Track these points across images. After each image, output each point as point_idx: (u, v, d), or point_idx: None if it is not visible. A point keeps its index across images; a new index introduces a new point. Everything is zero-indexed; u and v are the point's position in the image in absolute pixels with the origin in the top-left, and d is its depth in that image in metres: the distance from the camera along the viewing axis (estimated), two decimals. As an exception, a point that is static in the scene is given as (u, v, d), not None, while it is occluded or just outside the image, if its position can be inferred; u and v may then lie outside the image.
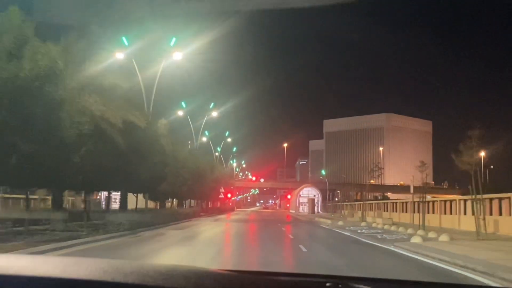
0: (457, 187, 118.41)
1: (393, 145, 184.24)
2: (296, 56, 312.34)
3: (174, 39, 31.74)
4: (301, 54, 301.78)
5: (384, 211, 46.49)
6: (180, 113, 51.05)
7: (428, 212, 40.99)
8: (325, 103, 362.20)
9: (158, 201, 38.63)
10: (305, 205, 72.65)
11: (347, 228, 30.81)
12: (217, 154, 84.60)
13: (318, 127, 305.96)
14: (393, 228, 29.26)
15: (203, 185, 49.41)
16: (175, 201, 48.62)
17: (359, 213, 44.75)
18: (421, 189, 31.22)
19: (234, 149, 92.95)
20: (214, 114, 54.97)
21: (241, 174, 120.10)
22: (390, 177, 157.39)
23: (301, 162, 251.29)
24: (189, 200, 64.38)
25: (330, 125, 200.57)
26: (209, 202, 71.99)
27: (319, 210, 70.55)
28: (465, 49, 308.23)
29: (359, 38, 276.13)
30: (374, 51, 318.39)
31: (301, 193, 73.62)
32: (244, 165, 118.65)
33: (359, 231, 27.46)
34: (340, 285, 1.70)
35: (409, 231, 24.85)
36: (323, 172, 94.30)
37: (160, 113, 34.30)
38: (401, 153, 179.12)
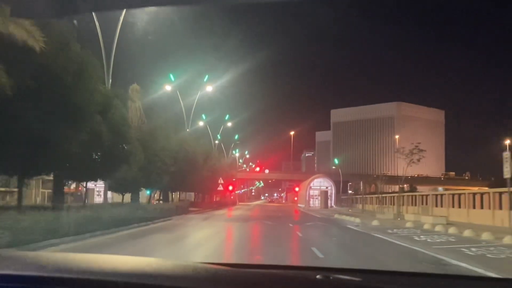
0: (480, 178, 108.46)
1: (404, 135, 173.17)
2: (300, 45, 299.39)
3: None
4: (305, 43, 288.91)
5: (421, 205, 36.40)
6: (168, 87, 41.45)
7: (453, 206, 31.54)
8: (332, 93, 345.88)
9: (121, 191, 28.84)
10: (316, 198, 62.94)
11: (390, 231, 21.12)
12: (217, 142, 75.37)
13: (325, 117, 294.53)
14: (467, 233, 19.23)
15: (195, 175, 39.67)
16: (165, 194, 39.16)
17: (392, 208, 34.81)
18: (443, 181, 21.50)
19: (236, 136, 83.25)
20: (209, 88, 45.00)
21: (244, 166, 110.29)
22: (401, 169, 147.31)
23: (307, 154, 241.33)
24: (183, 192, 54.77)
25: (338, 115, 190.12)
26: (207, 196, 62.33)
27: (333, 204, 60.72)
28: (479, 37, 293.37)
29: (368, 26, 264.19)
30: (383, 39, 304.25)
31: (311, 184, 63.83)
32: (247, 156, 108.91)
33: (416, 238, 17.71)
34: (330, 277, 1.68)
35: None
36: (336, 161, 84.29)
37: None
38: (412, 144, 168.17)
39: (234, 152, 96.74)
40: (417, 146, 34.91)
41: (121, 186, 26.41)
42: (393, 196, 43.31)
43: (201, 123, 59.87)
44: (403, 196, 35.12)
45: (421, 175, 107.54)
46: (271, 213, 42.73)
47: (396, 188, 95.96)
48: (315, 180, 64.66)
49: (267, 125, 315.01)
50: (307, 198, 62.09)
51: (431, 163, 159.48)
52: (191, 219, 28.47)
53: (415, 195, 37.38)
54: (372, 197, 53.74)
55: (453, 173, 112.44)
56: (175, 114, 42.39)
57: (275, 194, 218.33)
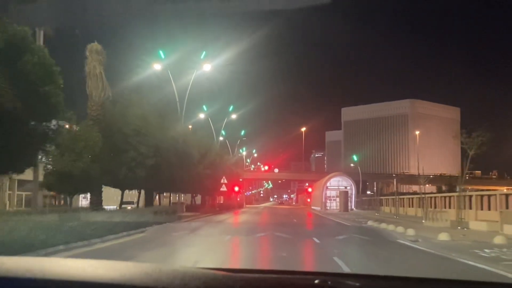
0: (508, 177, 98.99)
1: (418, 133, 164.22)
2: (311, 45, 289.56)
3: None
4: (313, 41, 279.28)
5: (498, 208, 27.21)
6: (158, 67, 33.38)
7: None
8: (342, 91, 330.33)
9: (60, 190, 20.52)
10: (333, 200, 54.32)
11: (482, 253, 12.63)
12: (221, 138, 67.09)
13: (335, 117, 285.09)
14: None
15: (188, 171, 31.32)
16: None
17: (445, 214, 26.06)
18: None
19: (242, 132, 74.83)
20: (207, 67, 36.53)
21: (252, 167, 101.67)
22: (415, 166, 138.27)
23: (316, 155, 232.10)
24: (179, 194, 46.42)
25: (349, 113, 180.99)
26: (209, 198, 53.92)
27: (353, 207, 52.02)
28: (496, 33, 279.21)
29: (380, 21, 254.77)
30: (395, 34, 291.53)
31: (328, 184, 55.09)
32: (255, 155, 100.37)
33: None
34: (329, 282, 1.67)
35: None
36: (355, 157, 75.33)
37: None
38: (427, 142, 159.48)
39: (241, 150, 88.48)
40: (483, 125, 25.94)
41: (61, 184, 17.88)
42: (434, 197, 34.58)
43: (201, 116, 51.83)
44: (465, 197, 26.09)
45: (444, 174, 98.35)
46: (283, 219, 34.20)
47: (416, 187, 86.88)
48: (332, 179, 55.89)
49: (275, 126, 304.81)
50: (323, 200, 53.48)
51: (447, 162, 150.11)
52: (175, 230, 19.98)
53: (482, 195, 27.70)
54: (403, 198, 44.96)
55: (479, 172, 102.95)
56: (167, 102, 33.96)
57: (285, 196, 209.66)
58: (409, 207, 43.44)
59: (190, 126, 42.48)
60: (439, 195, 34.52)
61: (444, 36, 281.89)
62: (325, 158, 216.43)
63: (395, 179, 35.64)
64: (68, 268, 1.49)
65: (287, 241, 16.47)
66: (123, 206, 27.98)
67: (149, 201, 29.34)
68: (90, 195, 21.17)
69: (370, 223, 26.63)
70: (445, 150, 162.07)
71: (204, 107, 54.03)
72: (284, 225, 25.45)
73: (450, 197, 32.39)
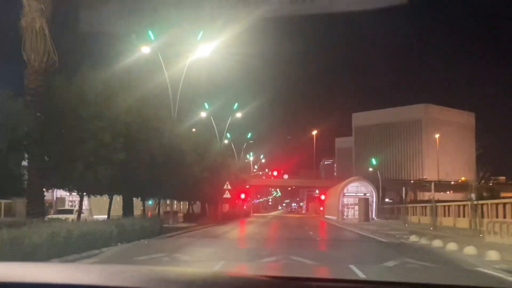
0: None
1: (432, 139, 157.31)
2: (320, 49, 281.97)
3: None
4: (325, 47, 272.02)
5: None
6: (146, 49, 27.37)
7: None
8: (353, 96, 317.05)
9: None
10: (351, 208, 47.74)
11: None
12: (226, 142, 60.94)
13: (345, 123, 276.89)
14: None
15: (179, 173, 25.09)
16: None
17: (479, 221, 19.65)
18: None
19: (249, 135, 68.59)
20: (204, 50, 30.33)
21: (260, 173, 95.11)
22: (430, 174, 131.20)
23: (326, 162, 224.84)
24: (174, 202, 40.27)
25: (360, 118, 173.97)
26: (211, 206, 47.64)
27: (374, 216, 45.33)
28: (510, 37, 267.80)
29: (390, 23, 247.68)
30: (408, 37, 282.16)
31: (345, 190, 48.47)
32: (263, 160, 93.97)
33: None
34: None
35: None
36: (374, 161, 68.68)
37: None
38: (441, 148, 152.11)
39: (248, 156, 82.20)
40: None
41: None
42: (482, 204, 27.96)
43: (202, 115, 45.84)
44: None
45: (466, 180, 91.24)
46: (296, 231, 27.86)
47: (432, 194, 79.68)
48: (350, 184, 49.17)
49: (283, 132, 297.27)
50: (340, 208, 46.85)
51: (462, 168, 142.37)
52: (146, 250, 13.64)
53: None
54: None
55: (503, 177, 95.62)
56: (159, 92, 27.76)
57: (294, 204, 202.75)
58: (444, 216, 36.82)
59: (194, 130, 36.50)
60: (489, 202, 27.90)
61: (458, 39, 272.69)
62: (335, 165, 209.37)
63: (432, 184, 29.34)
64: (73, 273, 1.46)
65: (312, 272, 10.11)
66: (58, 215, 21.71)
67: (128, 210, 23.05)
68: (27, 201, 14.91)
69: (413, 238, 20.05)
70: (459, 156, 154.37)
71: (206, 104, 48.10)
72: (299, 240, 19.11)
73: (504, 204, 25.77)
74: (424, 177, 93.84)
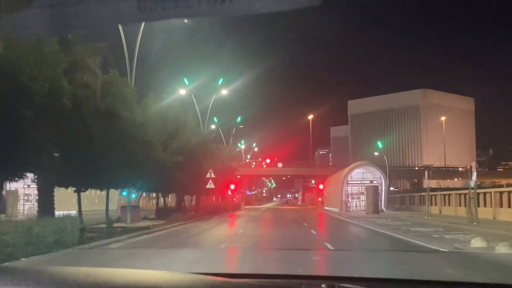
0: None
1: (431, 125, 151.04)
2: (313, 35, 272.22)
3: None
4: (316, 31, 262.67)
5: None
6: None
7: None
8: (348, 84, 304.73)
9: None
10: (356, 197, 40.55)
11: None
12: (213, 127, 53.78)
13: (340, 111, 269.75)
14: None
15: (132, 155, 17.78)
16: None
17: None
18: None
19: (239, 119, 61.35)
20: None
21: (254, 163, 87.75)
22: (429, 160, 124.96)
23: (321, 152, 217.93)
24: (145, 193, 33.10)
25: (356, 106, 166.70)
26: (195, 198, 40.56)
27: (383, 207, 38.23)
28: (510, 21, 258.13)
29: (387, 6, 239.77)
30: (403, 20, 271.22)
31: (349, 177, 41.21)
32: (255, 149, 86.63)
33: None
34: (335, 286, 1.60)
35: None
36: (380, 144, 61.60)
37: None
38: (439, 134, 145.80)
39: (239, 144, 74.85)
40: None
41: None
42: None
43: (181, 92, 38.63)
44: None
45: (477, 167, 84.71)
46: (294, 230, 20.73)
47: (447, 182, 72.97)
48: (355, 170, 41.71)
49: (277, 121, 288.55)
50: (343, 198, 39.60)
51: (461, 155, 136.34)
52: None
53: None
54: (450, 194, 31.30)
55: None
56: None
57: (289, 195, 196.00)
58: (459, 206, 29.96)
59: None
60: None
61: (457, 22, 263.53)
62: (330, 155, 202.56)
63: (473, 166, 22.52)
64: (74, 277, 1.41)
65: None
66: None
67: (46, 206, 15.70)
68: None
69: (477, 243, 12.68)
70: (459, 143, 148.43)
71: (185, 80, 40.77)
72: (300, 252, 11.98)
73: None
74: (431, 163, 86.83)
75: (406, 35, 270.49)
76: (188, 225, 24.38)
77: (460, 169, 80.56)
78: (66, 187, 18.11)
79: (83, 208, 18.84)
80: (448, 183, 73.77)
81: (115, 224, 20.84)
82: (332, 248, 13.16)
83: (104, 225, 19.78)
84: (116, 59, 21.40)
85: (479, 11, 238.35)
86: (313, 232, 20.25)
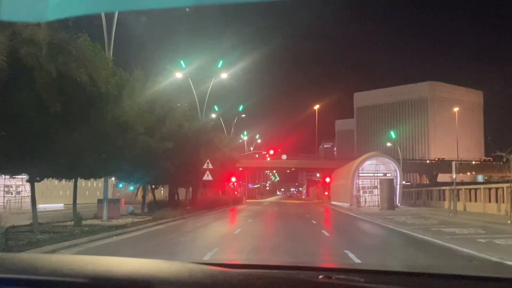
0: None
1: (438, 119, 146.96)
2: (320, 26, 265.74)
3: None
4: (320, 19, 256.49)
5: None
6: None
7: None
8: (354, 76, 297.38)
9: None
10: (368, 192, 36.77)
11: None
12: (214, 116, 50.22)
13: (345, 105, 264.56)
14: None
15: (107, 138, 14.08)
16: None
17: None
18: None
19: (241, 107, 57.62)
20: None
21: (257, 156, 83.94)
22: (437, 154, 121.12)
23: (325, 146, 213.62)
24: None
25: (362, 98, 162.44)
26: (193, 191, 37.09)
27: (398, 202, 34.42)
28: None
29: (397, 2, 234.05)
30: (413, 14, 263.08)
31: (360, 169, 37.33)
32: (259, 141, 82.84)
33: None
34: (332, 278, 1.59)
35: None
36: (393, 134, 57.58)
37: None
38: (447, 128, 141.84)
39: (242, 136, 71.09)
40: None
41: None
42: None
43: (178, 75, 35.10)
44: None
45: (488, 160, 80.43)
46: (302, 231, 17.02)
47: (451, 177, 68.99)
48: (367, 162, 37.35)
49: (281, 113, 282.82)
50: (354, 193, 35.73)
51: (470, 148, 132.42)
52: None
53: None
54: (490, 188, 27.47)
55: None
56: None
57: (292, 189, 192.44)
58: (489, 202, 26.19)
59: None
60: None
61: (466, 14, 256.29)
62: (335, 148, 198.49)
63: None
64: (70, 265, 1.38)
65: None
66: None
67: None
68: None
69: None
70: (467, 136, 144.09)
71: (182, 62, 37.15)
72: (313, 258, 8.32)
73: None
74: (443, 157, 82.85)
75: (415, 27, 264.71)
76: (177, 222, 20.77)
77: (474, 162, 76.78)
78: (11, 174, 14.48)
79: (67, 201, 15.81)
80: (460, 177, 70.07)
81: (87, 222, 17.27)
82: (359, 261, 9.45)
83: (72, 223, 16.23)
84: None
85: (489, 3, 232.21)
86: (326, 233, 16.54)
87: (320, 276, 1.55)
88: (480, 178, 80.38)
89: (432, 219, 22.96)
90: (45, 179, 17.34)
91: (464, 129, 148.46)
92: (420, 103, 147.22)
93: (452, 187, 25.54)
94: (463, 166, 73.40)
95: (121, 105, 15.92)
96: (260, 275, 1.57)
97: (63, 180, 19.49)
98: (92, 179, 23.15)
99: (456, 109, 76.99)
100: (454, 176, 24.58)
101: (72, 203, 17.24)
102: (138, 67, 23.26)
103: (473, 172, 71.46)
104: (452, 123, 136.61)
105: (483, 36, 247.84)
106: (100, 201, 19.23)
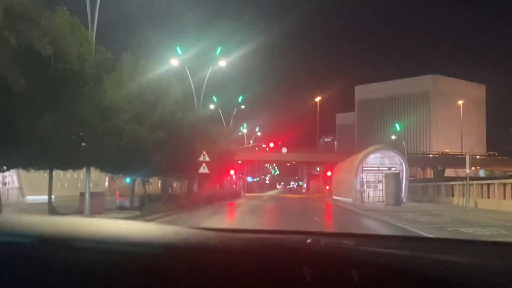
0: None
1: (440, 112, 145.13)
2: (321, 15, 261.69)
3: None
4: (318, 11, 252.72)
5: None
6: None
7: None
8: (355, 69, 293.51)
9: None
10: (371, 186, 35.00)
11: None
12: (212, 106, 48.56)
13: (346, 98, 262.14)
14: None
15: (89, 127, 12.23)
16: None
17: None
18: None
19: (240, 98, 55.78)
20: None
21: (257, 149, 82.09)
22: (438, 147, 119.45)
23: (325, 140, 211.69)
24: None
25: (364, 91, 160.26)
26: (189, 183, 35.49)
27: (403, 197, 32.64)
28: None
29: None
30: (415, 6, 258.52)
31: (365, 163, 35.70)
32: (258, 133, 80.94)
33: None
34: (321, 242, 1.59)
35: None
36: (398, 126, 55.71)
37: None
38: (449, 121, 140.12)
39: (241, 128, 69.21)
40: None
41: None
42: None
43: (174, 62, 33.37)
44: None
45: (493, 153, 78.85)
46: (309, 228, 15.19)
47: (460, 171, 67.34)
48: (371, 155, 35.29)
49: (280, 106, 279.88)
50: (358, 187, 33.92)
51: (472, 143, 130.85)
52: None
53: None
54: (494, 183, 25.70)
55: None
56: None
57: (292, 183, 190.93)
58: (504, 199, 24.43)
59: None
60: None
61: (469, 8, 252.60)
62: (335, 143, 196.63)
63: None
64: (72, 225, 1.22)
65: None
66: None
67: None
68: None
69: None
70: (469, 131, 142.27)
71: (178, 49, 35.41)
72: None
73: None
74: (446, 151, 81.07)
75: (418, 20, 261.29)
76: (167, 218, 19.02)
77: (478, 157, 74.94)
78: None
79: (59, 193, 14.16)
80: (463, 172, 68.36)
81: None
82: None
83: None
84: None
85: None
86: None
87: (309, 240, 1.54)
88: (481, 173, 78.67)
89: (444, 217, 21.22)
90: (32, 170, 15.73)
91: (466, 123, 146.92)
92: (422, 96, 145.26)
93: (464, 182, 23.74)
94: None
95: (102, 88, 14.10)
96: (251, 238, 1.50)
97: (47, 170, 17.83)
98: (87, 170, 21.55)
99: (460, 102, 74.86)
100: (467, 171, 22.78)
101: (62, 195, 15.58)
102: (129, 50, 21.50)
103: (478, 167, 69.62)
104: (454, 117, 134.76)
105: (486, 29, 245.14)
106: (82, 195, 17.43)
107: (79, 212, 17.42)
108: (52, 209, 14.32)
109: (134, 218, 17.12)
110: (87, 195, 16.52)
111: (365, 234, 2.75)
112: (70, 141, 13.11)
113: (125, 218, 16.67)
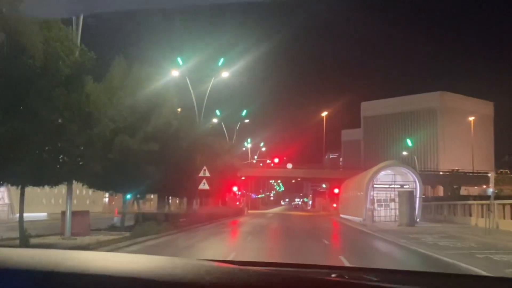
0: None
1: (448, 129, 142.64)
2: (327, 31, 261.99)
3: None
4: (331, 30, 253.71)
5: None
6: None
7: None
8: (361, 86, 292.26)
9: None
10: (383, 205, 32.70)
11: None
12: (215, 121, 46.94)
13: (352, 115, 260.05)
14: None
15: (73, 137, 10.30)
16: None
17: None
18: None
19: (244, 112, 54.05)
20: None
21: (261, 165, 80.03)
22: (446, 165, 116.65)
23: (331, 156, 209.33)
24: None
25: (370, 108, 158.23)
26: (187, 200, 33.55)
27: (417, 217, 30.33)
28: None
29: (406, 9, 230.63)
30: (422, 22, 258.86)
31: (375, 180, 33.25)
32: (263, 149, 78.98)
33: None
34: (345, 277, 1.55)
35: None
36: (410, 142, 53.54)
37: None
38: (457, 138, 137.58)
39: (245, 143, 67.38)
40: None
41: None
42: None
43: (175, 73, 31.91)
44: None
45: (505, 171, 76.36)
46: (320, 256, 13.21)
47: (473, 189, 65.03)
48: (382, 172, 33.12)
49: (285, 121, 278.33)
50: (367, 205, 31.65)
51: (481, 161, 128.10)
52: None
53: None
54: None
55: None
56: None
57: (297, 200, 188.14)
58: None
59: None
60: None
61: (475, 24, 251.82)
62: (341, 159, 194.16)
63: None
64: (76, 261, 1.26)
65: None
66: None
67: None
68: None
69: None
70: (477, 147, 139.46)
71: (179, 59, 33.95)
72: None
73: None
74: (456, 168, 78.68)
75: (424, 36, 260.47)
76: (159, 240, 16.99)
77: (489, 174, 72.47)
78: None
79: (52, 210, 12.25)
80: (475, 190, 65.91)
81: (44, 239, 13.63)
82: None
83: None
84: None
85: (501, 13, 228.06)
86: (345, 261, 12.64)
87: (333, 275, 1.48)
88: (489, 191, 76.14)
89: (467, 240, 19.08)
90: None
91: (474, 140, 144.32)
92: (430, 113, 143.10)
93: (489, 202, 21.65)
94: (479, 178, 69.30)
95: (83, 92, 12.30)
96: (275, 273, 1.43)
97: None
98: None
99: (471, 118, 72.74)
100: (491, 190, 20.72)
101: (64, 211, 13.77)
102: (121, 54, 19.85)
103: (489, 186, 67.26)
104: (462, 134, 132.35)
105: (494, 46, 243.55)
106: (64, 213, 15.49)
107: (61, 233, 15.49)
108: (22, 232, 12.40)
109: (121, 240, 15.14)
110: (68, 214, 14.61)
111: (388, 269, 2.03)
112: (42, 151, 11.28)
113: (109, 241, 14.74)
